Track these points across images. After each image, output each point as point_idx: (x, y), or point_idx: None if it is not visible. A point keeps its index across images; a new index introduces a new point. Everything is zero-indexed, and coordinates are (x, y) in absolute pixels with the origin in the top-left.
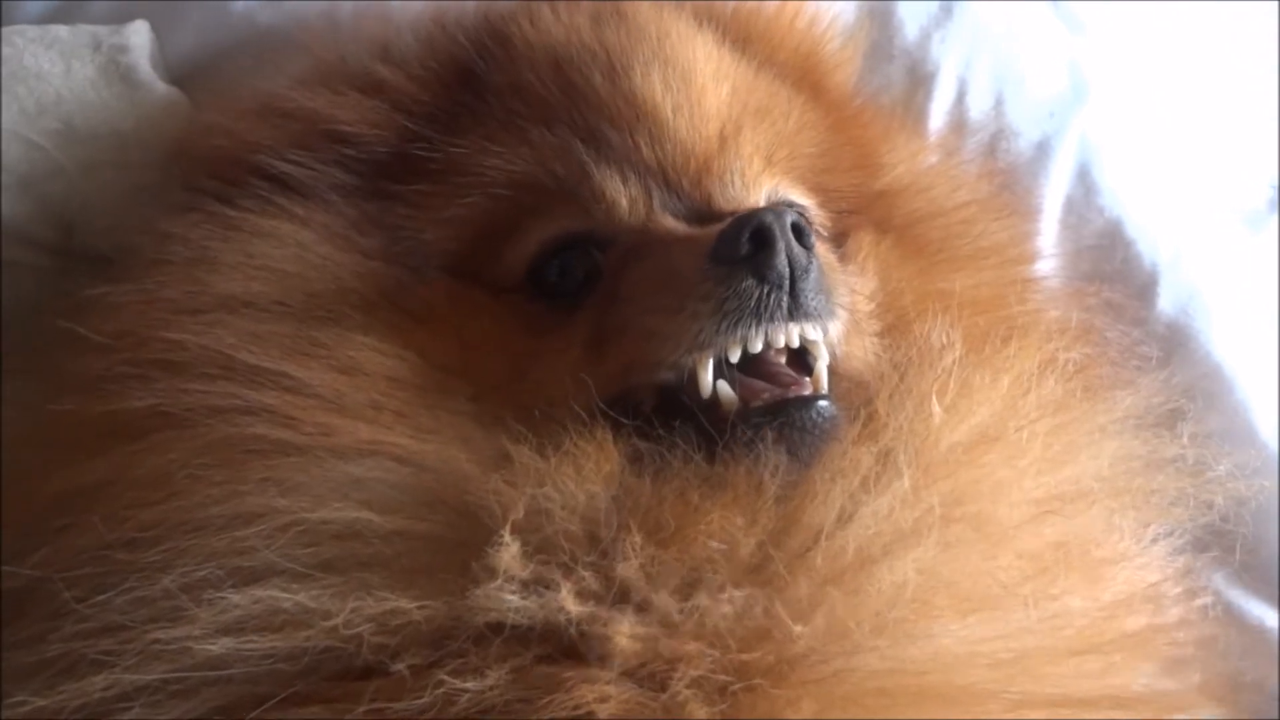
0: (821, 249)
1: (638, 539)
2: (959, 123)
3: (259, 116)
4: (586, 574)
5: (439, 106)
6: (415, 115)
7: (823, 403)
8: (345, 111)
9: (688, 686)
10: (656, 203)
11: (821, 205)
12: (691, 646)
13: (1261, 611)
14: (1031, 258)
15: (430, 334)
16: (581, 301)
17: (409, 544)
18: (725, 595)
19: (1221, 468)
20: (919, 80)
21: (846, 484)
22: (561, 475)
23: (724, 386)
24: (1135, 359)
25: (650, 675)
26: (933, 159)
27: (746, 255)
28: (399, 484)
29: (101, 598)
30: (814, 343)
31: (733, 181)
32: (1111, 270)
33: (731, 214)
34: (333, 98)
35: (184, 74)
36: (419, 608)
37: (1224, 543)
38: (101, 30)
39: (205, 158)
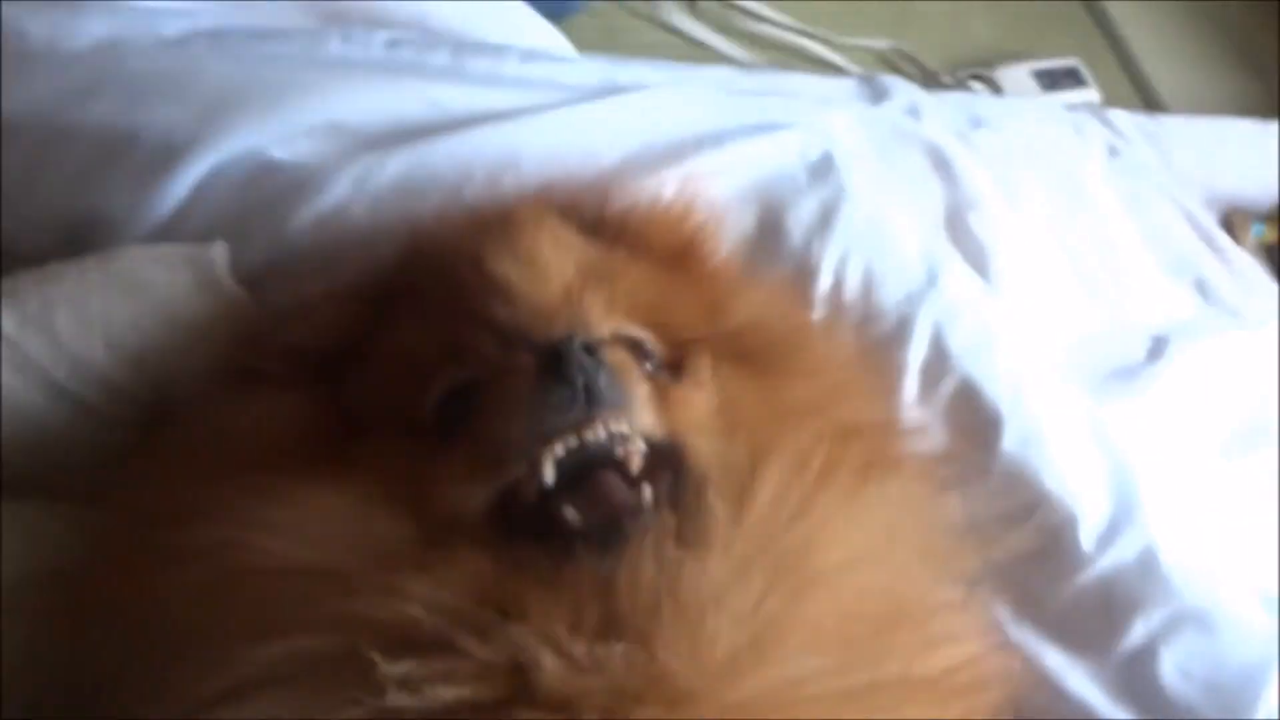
0: (619, 359)
1: (505, 622)
2: (837, 305)
3: (254, 333)
4: (463, 663)
5: (365, 314)
6: (346, 328)
7: (643, 516)
8: (301, 337)
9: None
10: (517, 348)
11: (660, 338)
12: (597, 690)
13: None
14: (859, 370)
15: (360, 476)
16: (462, 430)
17: (333, 659)
18: (610, 646)
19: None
20: (804, 274)
21: (670, 551)
22: (426, 583)
23: (570, 511)
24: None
25: (567, 713)
26: (769, 301)
27: (551, 368)
28: (326, 600)
29: (149, 709)
30: (626, 434)
31: (578, 327)
32: (966, 418)
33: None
34: (295, 324)
35: (250, 280)
36: (358, 710)
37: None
38: (193, 250)
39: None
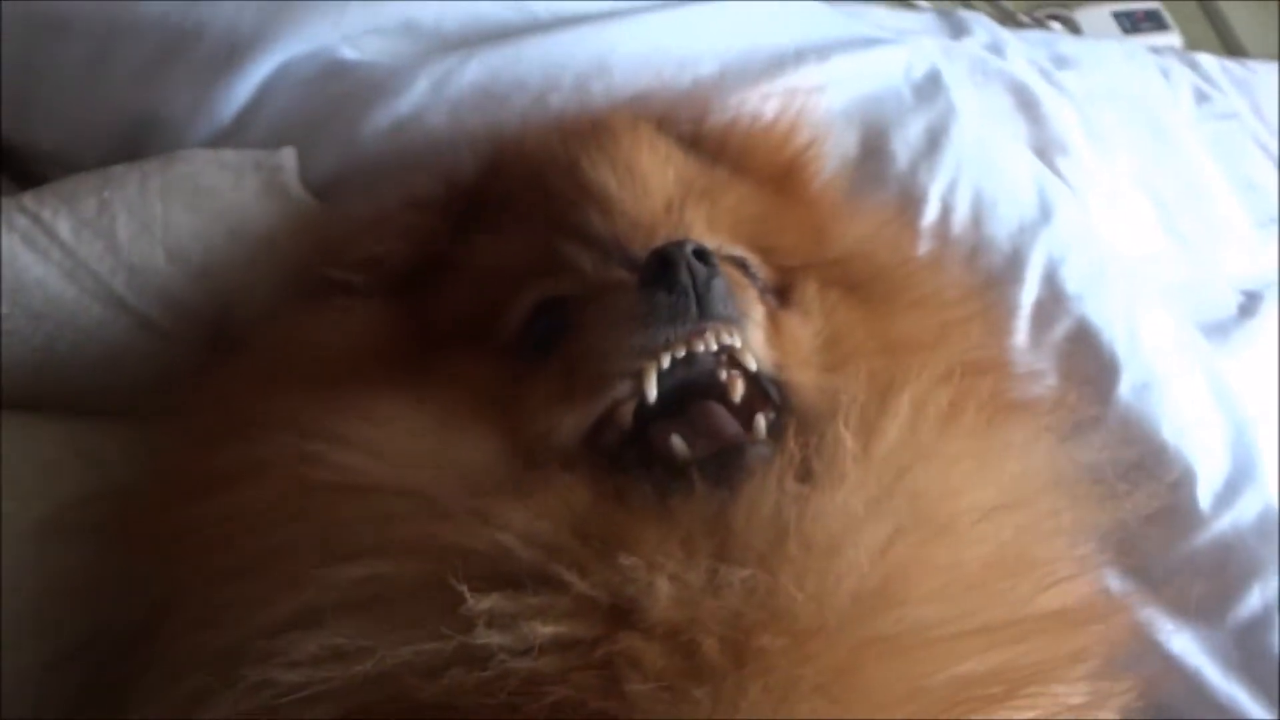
0: (731, 272)
1: (609, 554)
2: (944, 236)
3: (331, 242)
4: (560, 598)
5: (449, 223)
6: (430, 238)
7: (759, 448)
8: (381, 247)
9: (716, 650)
10: (615, 263)
11: (765, 261)
12: (715, 615)
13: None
14: (973, 307)
15: (443, 393)
16: (555, 348)
17: (416, 588)
18: (730, 571)
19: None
20: (909, 203)
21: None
22: (520, 511)
23: (677, 441)
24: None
25: (679, 643)
26: (876, 230)
27: (658, 275)
28: (409, 522)
29: (211, 633)
30: (737, 349)
31: (676, 229)
32: (1080, 363)
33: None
34: (375, 234)
35: (320, 189)
36: (441, 644)
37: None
38: (261, 153)
39: (300, 264)
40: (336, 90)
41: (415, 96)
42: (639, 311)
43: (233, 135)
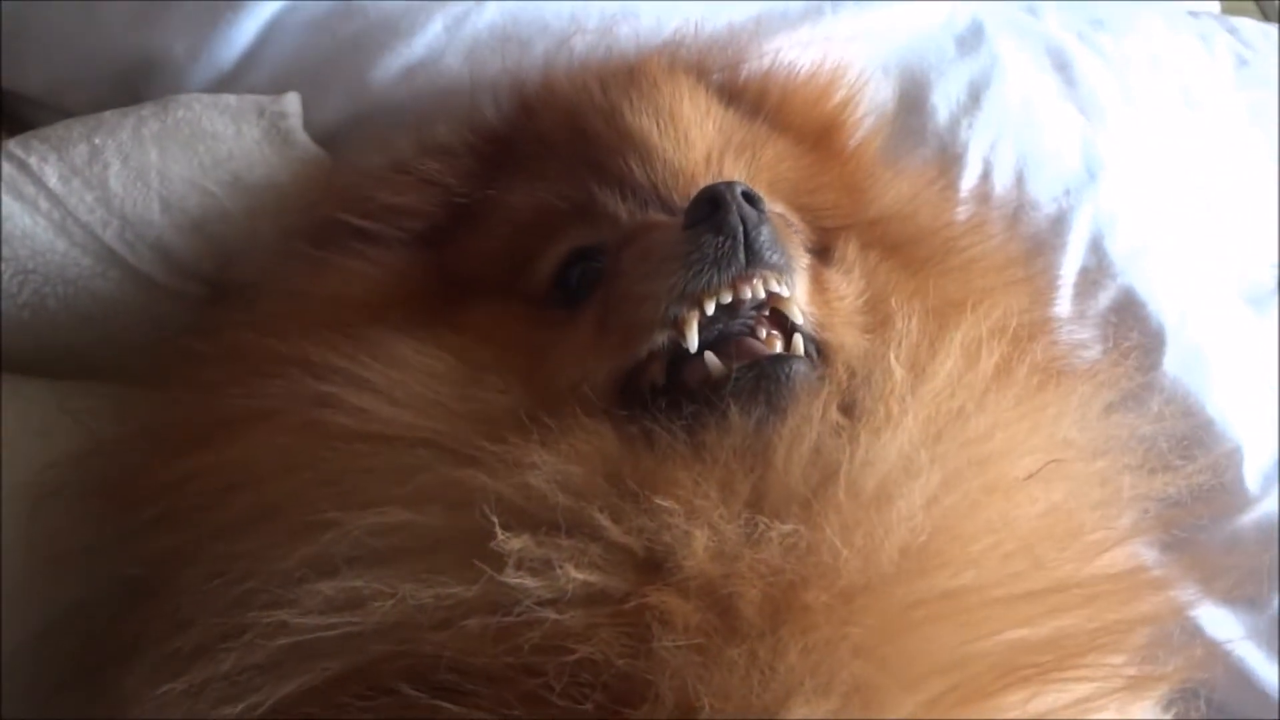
0: (775, 219)
1: (643, 500)
2: (984, 197)
3: (348, 191)
4: (593, 544)
5: (475, 170)
6: (456, 185)
7: (798, 362)
8: (404, 197)
9: (754, 608)
10: (651, 213)
11: (804, 220)
12: (754, 569)
13: (1246, 650)
14: (1016, 272)
15: (467, 340)
16: (588, 297)
17: (439, 534)
18: (771, 524)
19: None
20: (949, 160)
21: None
22: (553, 456)
23: (711, 356)
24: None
25: (714, 599)
26: (917, 190)
27: (705, 216)
28: (430, 470)
29: (218, 582)
30: (784, 299)
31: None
32: (1125, 333)
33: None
34: (397, 182)
35: (327, 138)
36: (463, 589)
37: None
38: (264, 99)
39: (309, 213)
40: (345, 32)
41: (429, 39)
42: (682, 252)
43: (235, 80)
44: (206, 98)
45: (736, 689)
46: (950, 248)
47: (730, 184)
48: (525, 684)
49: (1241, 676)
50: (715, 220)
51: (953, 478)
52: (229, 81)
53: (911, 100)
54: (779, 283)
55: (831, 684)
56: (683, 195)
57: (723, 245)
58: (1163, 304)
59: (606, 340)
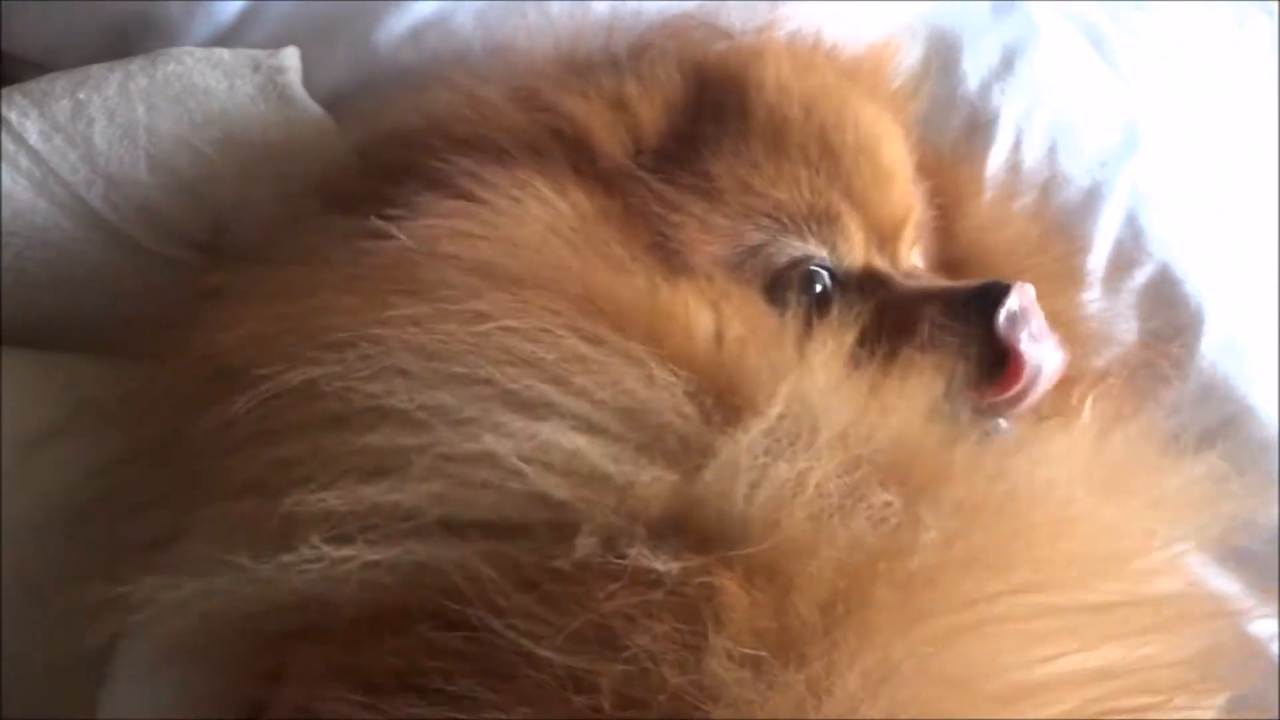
0: None
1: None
2: (1015, 168)
3: (515, 104)
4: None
5: (682, 127)
6: (657, 132)
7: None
8: (596, 122)
9: (808, 602)
10: (873, 250)
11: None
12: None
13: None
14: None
15: (719, 309)
16: (819, 317)
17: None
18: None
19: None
20: (978, 128)
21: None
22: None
23: None
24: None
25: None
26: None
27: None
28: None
29: (406, 400)
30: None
31: (905, 244)
32: (1160, 309)
33: (908, 273)
34: (585, 104)
35: (330, 102)
36: (659, 481)
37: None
38: (260, 54)
39: (456, 135)
40: None
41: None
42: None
43: (234, 38)
44: (199, 51)
45: (789, 714)
46: (1004, 264)
47: (1010, 287)
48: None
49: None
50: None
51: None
52: (227, 39)
53: (942, 64)
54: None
55: (893, 711)
56: (890, 240)
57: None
58: (1200, 284)
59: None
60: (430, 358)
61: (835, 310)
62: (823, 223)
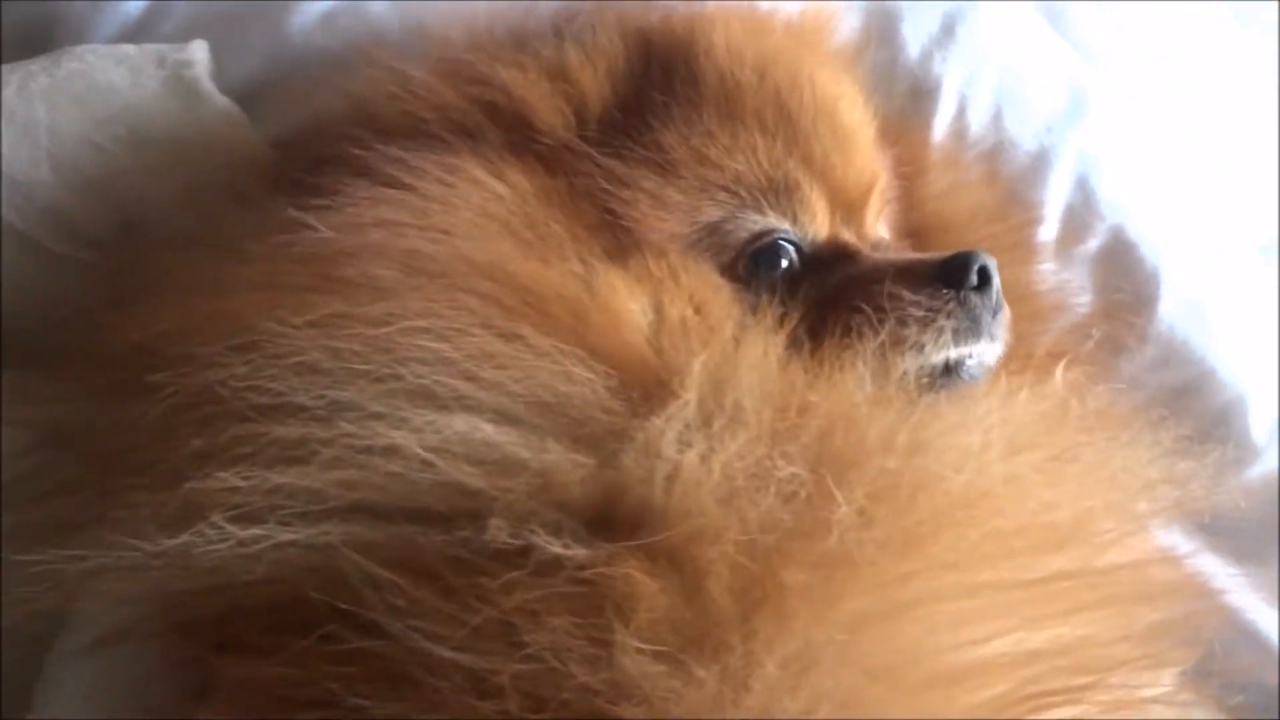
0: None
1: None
2: (960, 135)
3: (444, 80)
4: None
5: (628, 97)
6: (602, 103)
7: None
8: (533, 94)
9: (721, 586)
10: (838, 221)
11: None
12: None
13: (1253, 608)
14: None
15: (661, 293)
16: (786, 297)
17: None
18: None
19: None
20: (921, 96)
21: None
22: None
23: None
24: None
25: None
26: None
27: (974, 286)
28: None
29: (317, 397)
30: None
31: (870, 213)
32: (1115, 274)
33: (875, 244)
34: (521, 75)
35: (244, 94)
36: (578, 467)
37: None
38: (165, 48)
39: (380, 118)
40: None
41: None
42: (957, 313)
43: (143, 32)
44: (102, 49)
45: (707, 711)
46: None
47: (989, 257)
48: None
49: (1246, 633)
50: (984, 293)
51: (994, 448)
52: (136, 35)
53: (880, 32)
54: (994, 349)
55: (816, 703)
56: (857, 209)
57: (990, 319)
58: (1157, 246)
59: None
60: (339, 356)
61: (787, 289)
62: (781, 194)
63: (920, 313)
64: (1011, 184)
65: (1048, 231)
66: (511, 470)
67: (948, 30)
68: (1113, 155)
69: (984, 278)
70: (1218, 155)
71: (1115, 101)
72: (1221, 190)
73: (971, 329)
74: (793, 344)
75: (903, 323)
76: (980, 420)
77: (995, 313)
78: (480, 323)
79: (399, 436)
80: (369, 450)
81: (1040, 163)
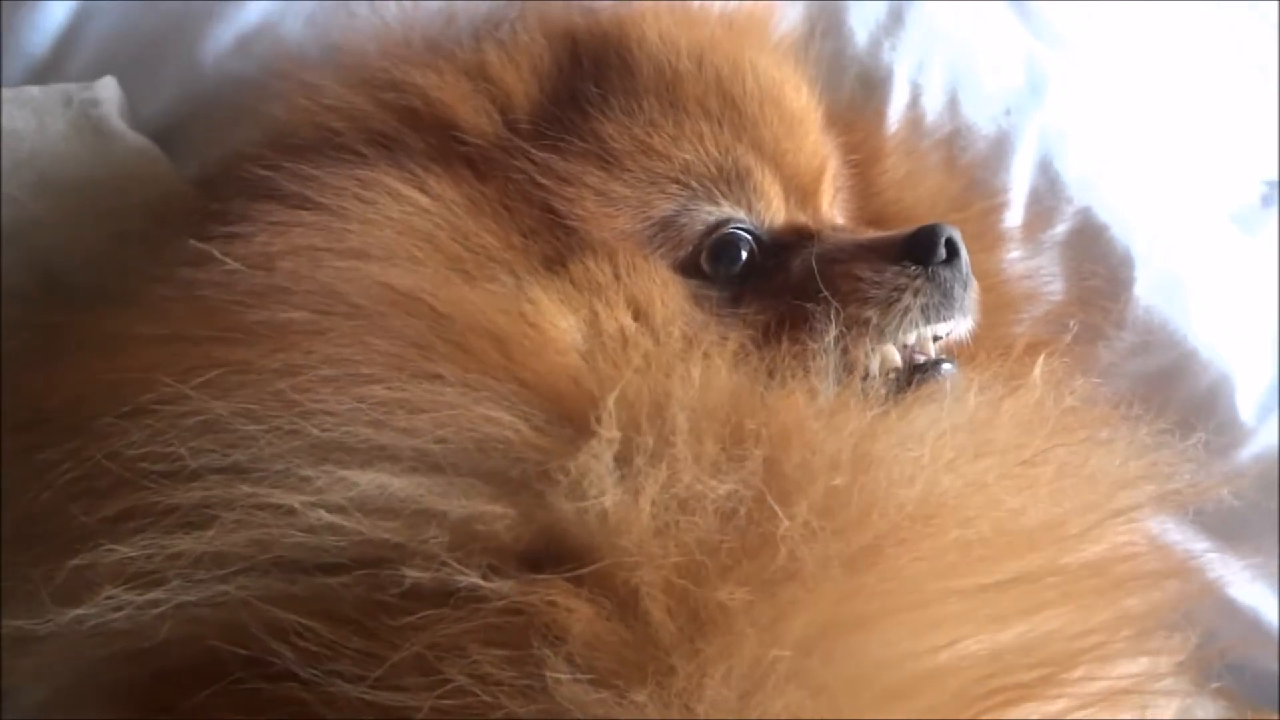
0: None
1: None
2: (915, 124)
3: (357, 90)
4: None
5: (559, 92)
6: (529, 99)
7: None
8: (453, 95)
9: (659, 607)
10: (794, 206)
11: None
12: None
13: (1251, 593)
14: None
15: (600, 303)
16: (750, 289)
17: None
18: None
19: (1192, 441)
20: (872, 87)
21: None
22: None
23: (890, 348)
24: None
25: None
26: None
27: (942, 260)
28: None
29: (217, 458)
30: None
31: (824, 197)
32: (1087, 259)
33: (833, 229)
34: (438, 78)
35: (161, 129)
36: (503, 515)
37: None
38: (72, 87)
39: (289, 135)
40: (169, 2)
41: (263, 2)
42: (923, 289)
43: (53, 70)
44: (7, 92)
45: None
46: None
47: (954, 229)
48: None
49: (1244, 617)
50: (953, 266)
51: (948, 457)
52: (47, 72)
53: (826, 24)
54: (964, 321)
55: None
56: (810, 192)
57: (961, 292)
58: (1128, 227)
59: (774, 346)
60: (241, 414)
61: (749, 282)
62: (734, 182)
63: (882, 293)
64: (972, 170)
65: (1013, 217)
66: (430, 521)
67: (895, 17)
68: (1077, 132)
69: (952, 250)
70: (1181, 125)
71: (1075, 77)
72: (1187, 159)
73: (944, 303)
74: (747, 349)
75: (863, 305)
76: (932, 429)
77: (966, 285)
78: (394, 365)
79: (299, 500)
80: (274, 510)
81: (1001, 147)
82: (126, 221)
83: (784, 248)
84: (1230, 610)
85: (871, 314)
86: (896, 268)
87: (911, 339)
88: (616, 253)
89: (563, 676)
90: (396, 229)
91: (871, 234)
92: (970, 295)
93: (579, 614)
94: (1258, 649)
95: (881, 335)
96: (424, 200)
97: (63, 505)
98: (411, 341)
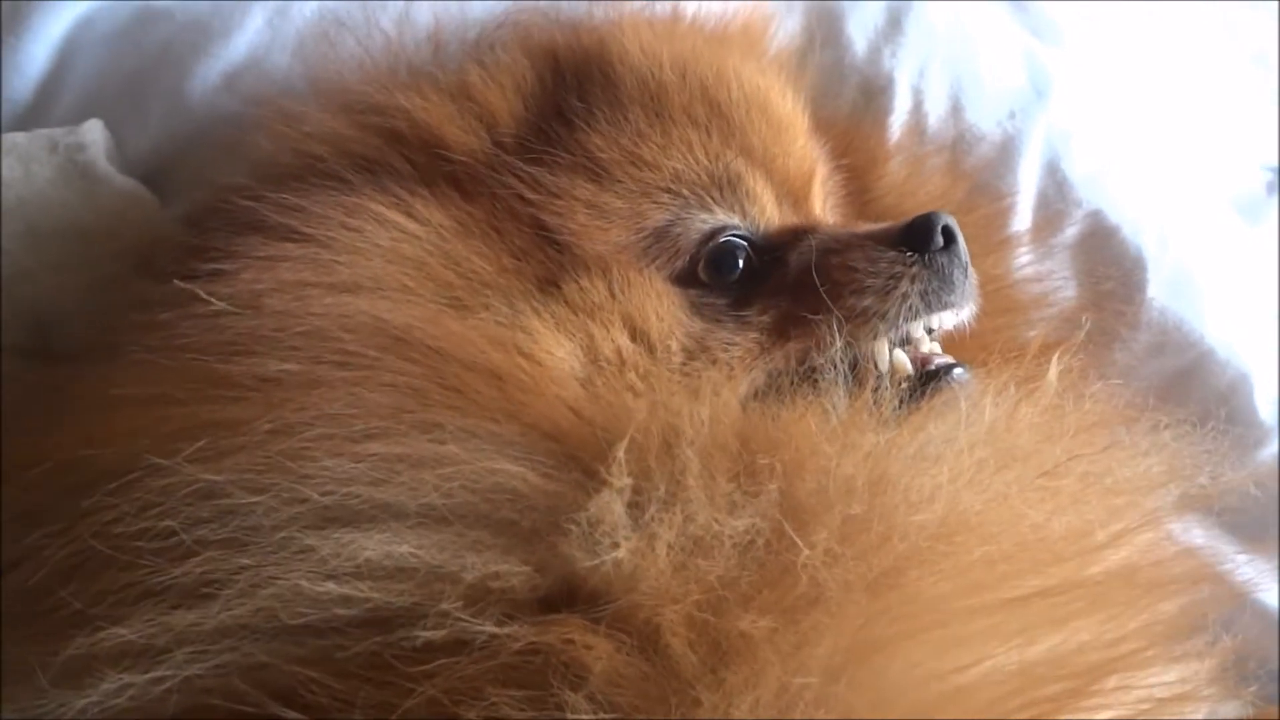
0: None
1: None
2: (918, 129)
3: (339, 115)
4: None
5: (544, 109)
6: (514, 117)
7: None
8: (437, 116)
9: (680, 641)
10: (786, 210)
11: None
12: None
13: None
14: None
15: (596, 325)
16: (751, 292)
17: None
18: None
19: (1212, 445)
20: (873, 95)
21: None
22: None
23: (901, 355)
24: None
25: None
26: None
27: (940, 247)
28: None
29: (215, 529)
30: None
31: (816, 201)
32: (1099, 262)
33: (829, 224)
34: (421, 100)
35: (149, 169)
36: (518, 571)
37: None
38: (57, 132)
39: (272, 165)
40: (151, 40)
41: (250, 37)
42: (921, 275)
43: (39, 113)
44: None
45: None
46: None
47: (950, 216)
48: None
49: (1265, 620)
50: (951, 253)
51: (968, 475)
52: (32, 116)
53: (824, 33)
54: (967, 310)
55: None
56: (801, 195)
57: (962, 278)
58: (1138, 227)
59: (780, 347)
60: (235, 483)
61: (749, 288)
62: (726, 188)
63: (880, 281)
64: (978, 174)
65: (1022, 221)
66: (442, 580)
67: (894, 23)
68: (1081, 132)
69: (949, 237)
70: (1181, 117)
71: (1078, 76)
72: (1190, 150)
73: (943, 289)
74: (754, 355)
75: (860, 294)
76: (950, 445)
77: (966, 271)
78: (392, 417)
79: (304, 573)
80: (276, 583)
81: (1006, 150)
82: (115, 267)
83: (780, 247)
84: (1250, 612)
85: (870, 301)
86: (893, 254)
87: (917, 330)
88: (610, 268)
89: (585, 716)
90: (385, 257)
91: (869, 226)
92: (970, 282)
93: (598, 650)
94: (1273, 647)
95: (882, 322)
96: (412, 225)
97: (55, 587)
98: (408, 390)
